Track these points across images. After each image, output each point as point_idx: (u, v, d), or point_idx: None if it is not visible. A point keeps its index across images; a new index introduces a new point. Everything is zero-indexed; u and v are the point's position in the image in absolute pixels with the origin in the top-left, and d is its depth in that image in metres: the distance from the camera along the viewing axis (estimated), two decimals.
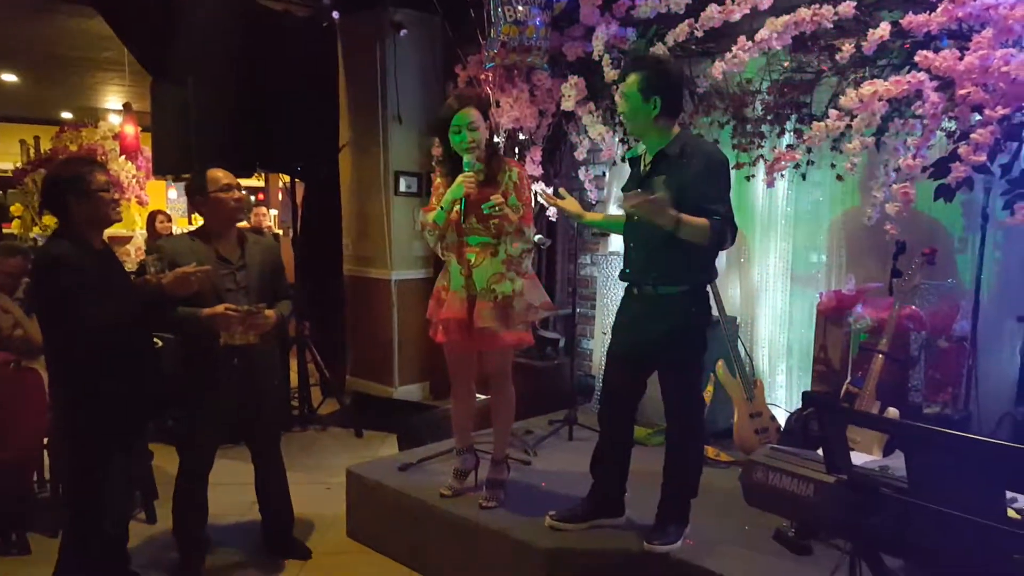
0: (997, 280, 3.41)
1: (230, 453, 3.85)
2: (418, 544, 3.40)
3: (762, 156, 3.82)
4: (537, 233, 3.44)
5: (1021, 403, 3.20)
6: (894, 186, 2.93)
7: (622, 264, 2.99)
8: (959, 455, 1.59)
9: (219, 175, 3.16)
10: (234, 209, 3.18)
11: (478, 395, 3.51)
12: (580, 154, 4.49)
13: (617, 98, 2.79)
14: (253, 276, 3.18)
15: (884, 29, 3.03)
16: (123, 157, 7.99)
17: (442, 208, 3.10)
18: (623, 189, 3.04)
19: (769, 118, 3.73)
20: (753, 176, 3.96)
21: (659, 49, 3.86)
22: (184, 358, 3.19)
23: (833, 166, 3.59)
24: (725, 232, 2.67)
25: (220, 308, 2.98)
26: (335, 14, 5.28)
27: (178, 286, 2.88)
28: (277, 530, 3.51)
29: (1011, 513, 1.60)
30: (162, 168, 5.25)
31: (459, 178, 3.02)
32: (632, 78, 2.74)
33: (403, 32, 5.34)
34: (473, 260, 3.14)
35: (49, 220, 6.61)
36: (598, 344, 5.12)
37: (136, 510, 3.77)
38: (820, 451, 1.96)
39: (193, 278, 2.88)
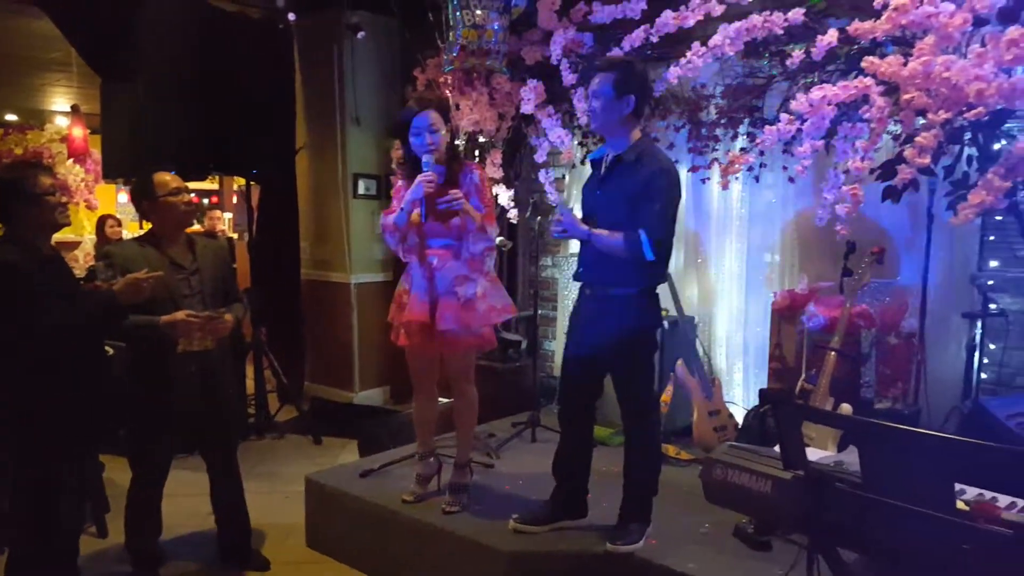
0: (942, 277, 3.52)
1: (185, 463, 3.76)
2: (380, 552, 3.38)
3: (716, 159, 3.89)
4: (499, 235, 3.46)
5: (967, 397, 3.31)
6: (844, 187, 3.01)
7: (577, 264, 3.04)
8: (910, 449, 1.65)
9: (167, 179, 3.10)
10: (184, 213, 3.13)
11: (440, 399, 3.51)
12: (540, 157, 4.52)
13: (589, 98, 2.83)
14: (207, 280, 3.14)
15: (832, 35, 3.11)
16: (71, 160, 7.80)
17: (402, 209, 3.10)
18: (583, 190, 3.08)
19: (723, 122, 3.81)
20: (708, 179, 4.05)
21: (615, 54, 3.91)
22: (136, 366, 3.13)
23: (785, 168, 3.69)
24: (640, 247, 2.71)
25: (180, 315, 2.93)
26: (291, 16, 5.23)
27: (130, 293, 2.80)
28: (234, 541, 3.45)
29: (960, 505, 1.67)
30: (112, 171, 5.15)
31: (418, 178, 3.03)
32: (606, 76, 2.79)
33: (361, 34, 5.32)
34: (435, 263, 3.14)
35: None
36: (559, 345, 5.16)
37: (86, 524, 3.66)
38: (777, 448, 2.01)
39: (145, 284, 2.82)
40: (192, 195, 3.20)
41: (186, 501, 3.80)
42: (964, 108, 2.73)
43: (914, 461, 1.63)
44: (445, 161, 3.13)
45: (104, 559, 3.50)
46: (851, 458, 1.95)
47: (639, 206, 2.74)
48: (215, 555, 3.48)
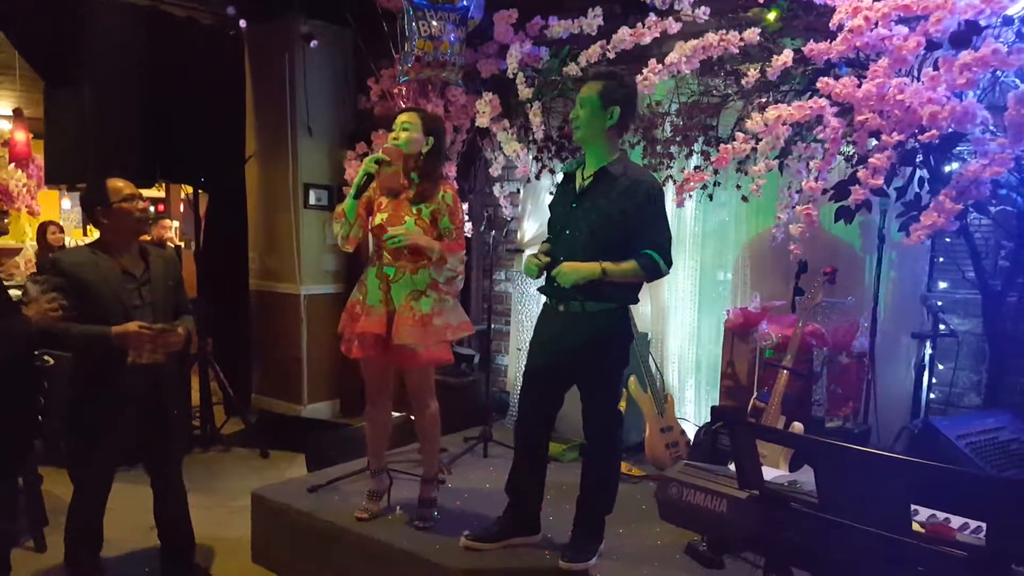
0: (892, 298, 3.57)
1: (126, 476, 3.63)
2: (328, 568, 3.30)
3: (671, 177, 3.91)
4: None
5: (916, 416, 3.36)
6: (797, 207, 3.04)
7: (546, 279, 2.97)
8: (865, 470, 1.64)
9: (120, 185, 3.01)
10: (139, 220, 3.04)
11: (393, 413, 3.44)
12: (495, 171, 4.49)
13: (576, 106, 2.80)
14: (158, 291, 3.04)
15: (787, 56, 3.15)
16: (12, 165, 7.56)
17: (353, 196, 3.06)
18: (551, 205, 3.03)
19: (677, 140, 3.83)
20: None
21: (572, 69, 3.91)
22: (80, 377, 3.01)
23: (739, 187, 3.71)
24: (657, 266, 2.75)
25: (132, 326, 2.83)
26: (242, 23, 5.13)
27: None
28: (177, 556, 3.34)
29: (916, 526, 1.67)
30: (55, 177, 4.98)
31: (367, 159, 3.02)
32: (594, 85, 2.77)
33: (313, 43, 5.25)
34: (392, 275, 3.08)
35: None
36: (512, 360, 5.12)
37: (23, 538, 3.55)
38: (732, 466, 1.99)
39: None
40: (146, 202, 3.09)
41: (129, 515, 3.65)
42: (916, 130, 2.78)
43: (869, 482, 1.63)
44: (419, 172, 3.10)
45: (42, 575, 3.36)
46: (805, 477, 1.95)
47: (642, 225, 2.74)
48: (158, 570, 3.36)
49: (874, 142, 2.99)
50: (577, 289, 2.78)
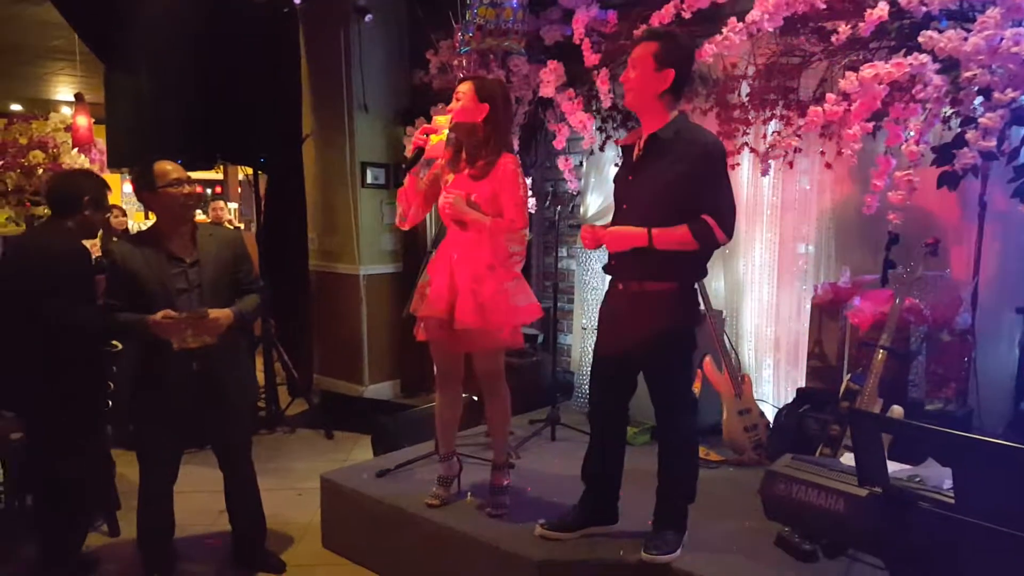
0: (995, 271, 3.31)
1: (197, 458, 3.64)
2: (399, 555, 3.22)
3: (747, 144, 3.69)
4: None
5: (1020, 398, 3.11)
6: (897, 174, 2.80)
7: (608, 257, 2.81)
8: (1014, 467, 1.45)
9: (167, 168, 2.97)
10: (186, 205, 2.99)
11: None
12: (559, 143, 4.32)
13: (627, 68, 2.62)
14: (207, 272, 2.99)
15: (882, 8, 2.89)
16: (75, 150, 7.63)
17: (405, 172, 3.02)
18: (615, 178, 2.86)
19: (754, 104, 3.59)
20: (738, 164, 3.83)
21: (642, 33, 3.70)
22: (137, 362, 3.03)
23: (823, 153, 3.47)
24: (710, 234, 2.53)
25: (158, 315, 2.81)
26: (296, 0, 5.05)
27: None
28: (248, 541, 3.32)
29: None
30: (117, 161, 5.05)
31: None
32: (648, 46, 2.56)
33: (368, 17, 5.13)
34: (456, 256, 2.95)
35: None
36: (576, 339, 4.97)
37: (97, 521, 3.58)
38: (843, 459, 1.82)
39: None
40: (195, 186, 3.05)
41: (198, 498, 3.71)
42: None
43: (1016, 480, 1.44)
44: (467, 143, 2.94)
45: (115, 559, 3.38)
46: (928, 472, 1.77)
47: (695, 190, 2.53)
48: (229, 555, 3.36)
49: (979, 100, 2.73)
50: (635, 266, 2.62)
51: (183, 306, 2.87)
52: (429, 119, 4.70)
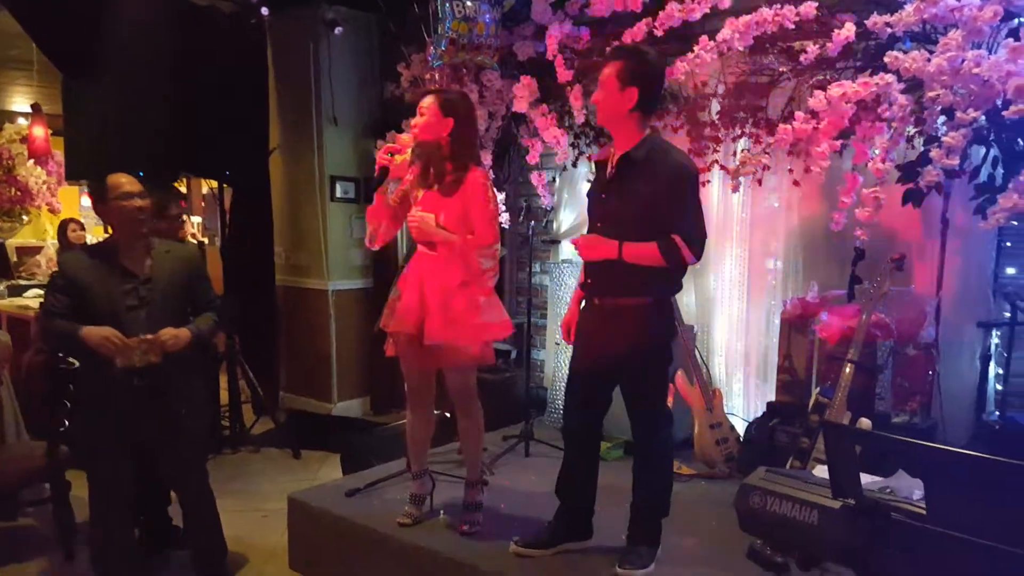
0: (957, 286, 3.38)
1: None
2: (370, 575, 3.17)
3: (716, 161, 3.73)
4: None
5: (981, 410, 3.18)
6: (864, 191, 2.86)
7: (583, 273, 2.82)
8: (989, 478, 1.47)
9: (121, 180, 2.92)
10: (136, 219, 2.92)
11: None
12: (533, 158, 4.33)
13: (594, 89, 2.63)
14: (159, 289, 2.93)
15: (849, 30, 2.96)
16: (32, 161, 7.50)
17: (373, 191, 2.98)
18: (589, 193, 2.88)
19: (724, 122, 3.64)
20: (708, 182, 3.88)
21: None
22: (81, 376, 2.99)
23: (791, 171, 3.52)
24: (678, 254, 2.54)
25: (99, 333, 2.74)
26: (264, 11, 4.99)
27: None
28: (208, 564, 3.23)
29: None
30: (75, 174, 4.93)
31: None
32: (613, 65, 2.58)
33: (338, 30, 5.11)
34: (427, 272, 2.93)
35: None
36: (550, 355, 4.96)
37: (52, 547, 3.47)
38: (816, 471, 1.84)
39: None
40: (147, 199, 2.97)
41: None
42: (992, 107, 2.59)
43: (992, 491, 1.46)
44: (437, 163, 2.91)
45: None
46: (899, 483, 1.79)
47: (665, 208, 2.54)
48: None
49: (942, 119, 2.80)
50: (609, 283, 2.64)
51: (131, 323, 2.82)
52: (400, 132, 4.71)
